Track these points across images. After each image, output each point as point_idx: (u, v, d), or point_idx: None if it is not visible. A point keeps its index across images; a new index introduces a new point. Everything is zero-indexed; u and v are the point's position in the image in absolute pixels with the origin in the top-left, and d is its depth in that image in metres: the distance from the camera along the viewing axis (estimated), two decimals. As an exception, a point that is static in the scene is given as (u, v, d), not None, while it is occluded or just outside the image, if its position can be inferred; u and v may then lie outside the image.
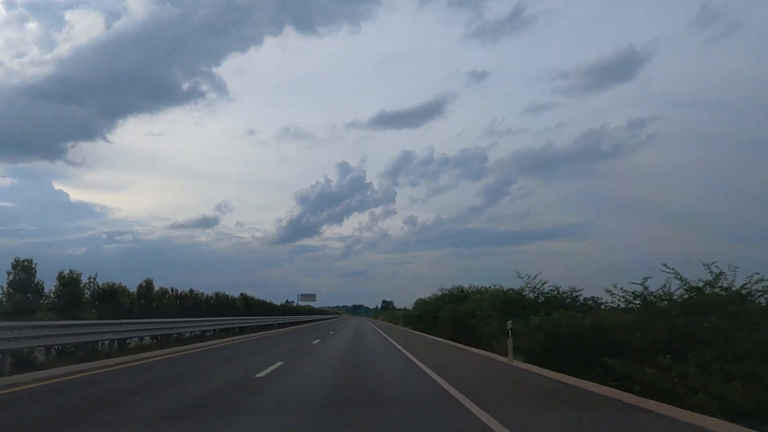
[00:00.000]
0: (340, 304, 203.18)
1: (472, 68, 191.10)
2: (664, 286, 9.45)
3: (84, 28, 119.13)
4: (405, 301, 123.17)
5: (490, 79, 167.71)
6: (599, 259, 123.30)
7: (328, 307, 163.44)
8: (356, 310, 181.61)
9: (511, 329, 12.77)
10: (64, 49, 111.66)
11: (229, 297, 29.92)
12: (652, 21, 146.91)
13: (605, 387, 8.30)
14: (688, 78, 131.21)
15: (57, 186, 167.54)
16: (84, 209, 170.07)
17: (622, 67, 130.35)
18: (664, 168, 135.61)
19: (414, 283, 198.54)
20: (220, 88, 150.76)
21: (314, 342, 20.91)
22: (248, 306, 33.75)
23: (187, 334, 19.66)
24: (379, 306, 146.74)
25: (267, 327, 34.96)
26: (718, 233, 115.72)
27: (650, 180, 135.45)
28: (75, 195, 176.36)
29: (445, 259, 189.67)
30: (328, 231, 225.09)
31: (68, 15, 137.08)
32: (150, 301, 17.99)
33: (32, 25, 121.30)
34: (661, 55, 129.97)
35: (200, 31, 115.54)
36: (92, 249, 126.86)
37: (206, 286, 33.66)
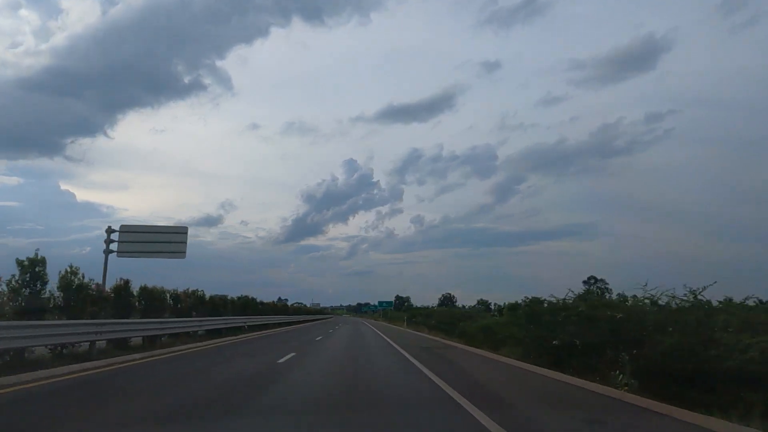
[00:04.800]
0: (344, 304, 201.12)
1: (484, 58, 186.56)
2: None
3: (79, 15, 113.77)
4: (420, 299, 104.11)
5: (502, 69, 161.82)
6: (605, 259, 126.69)
7: (320, 305, 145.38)
8: (360, 309, 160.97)
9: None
10: (59, 38, 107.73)
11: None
12: (673, 8, 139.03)
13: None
14: (710, 69, 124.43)
15: (63, 186, 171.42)
16: (90, 209, 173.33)
17: (641, 57, 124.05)
18: (680, 165, 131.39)
19: (419, 282, 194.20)
20: (225, 82, 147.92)
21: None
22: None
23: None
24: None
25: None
26: (734, 235, 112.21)
27: (665, 178, 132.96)
28: (81, 195, 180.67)
29: (451, 259, 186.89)
30: (334, 230, 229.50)
31: (64, 2, 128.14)
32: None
33: (26, 13, 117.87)
34: (683, 45, 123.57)
35: (201, 19, 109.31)
36: (96, 248, 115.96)
37: (209, 285, 25.06)
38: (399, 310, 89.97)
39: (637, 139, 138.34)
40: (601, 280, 73.59)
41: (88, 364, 10.21)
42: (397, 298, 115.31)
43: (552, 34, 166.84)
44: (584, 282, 77.78)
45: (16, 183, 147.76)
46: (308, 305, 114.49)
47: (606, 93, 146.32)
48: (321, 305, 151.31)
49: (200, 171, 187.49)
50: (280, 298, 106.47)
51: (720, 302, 8.88)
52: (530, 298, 40.99)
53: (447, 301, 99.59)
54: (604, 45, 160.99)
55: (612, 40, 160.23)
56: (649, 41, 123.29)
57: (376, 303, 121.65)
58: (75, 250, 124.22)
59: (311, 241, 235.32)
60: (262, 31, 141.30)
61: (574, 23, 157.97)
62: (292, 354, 14.26)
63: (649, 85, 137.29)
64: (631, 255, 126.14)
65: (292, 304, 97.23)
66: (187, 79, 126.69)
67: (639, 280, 9.85)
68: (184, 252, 17.64)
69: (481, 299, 56.23)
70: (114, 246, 16.84)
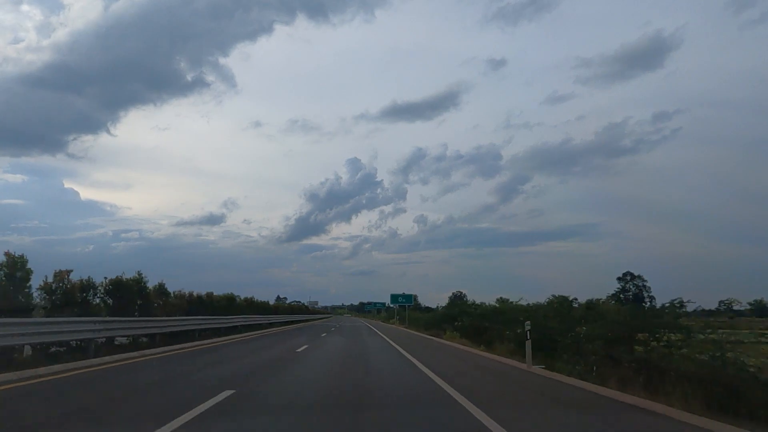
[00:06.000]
0: (346, 303, 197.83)
1: (490, 55, 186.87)
2: None
3: (81, 10, 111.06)
4: (425, 299, 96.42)
5: (508, 67, 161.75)
6: (610, 260, 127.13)
7: (318, 303, 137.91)
8: (363, 308, 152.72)
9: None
10: (61, 34, 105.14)
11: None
12: (682, 5, 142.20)
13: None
14: (719, 68, 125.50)
15: (67, 184, 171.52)
16: (94, 207, 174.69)
17: (648, 55, 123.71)
18: (687, 165, 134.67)
19: (422, 283, 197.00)
20: (228, 79, 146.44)
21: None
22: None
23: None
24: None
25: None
26: (739, 236, 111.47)
27: (670, 178, 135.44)
28: (85, 193, 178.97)
29: (454, 259, 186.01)
30: (337, 229, 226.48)
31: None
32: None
33: (28, 8, 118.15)
34: (692, 43, 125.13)
35: (204, 15, 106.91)
36: (100, 247, 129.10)
37: (214, 285, 13.48)
38: (406, 309, 78.51)
39: (644, 138, 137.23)
40: (639, 276, 66.06)
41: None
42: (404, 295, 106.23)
43: (559, 31, 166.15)
44: (619, 279, 70.31)
45: (20, 181, 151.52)
46: (305, 303, 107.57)
47: (613, 91, 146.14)
48: (319, 303, 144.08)
49: (203, 169, 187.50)
50: (278, 297, 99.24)
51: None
52: (557, 296, 29.19)
53: (457, 299, 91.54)
54: (611, 42, 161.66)
55: (620, 38, 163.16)
56: (657, 39, 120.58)
57: (384, 301, 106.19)
58: (78, 248, 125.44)
59: (314, 240, 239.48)
60: (266, 28, 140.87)
61: (581, 20, 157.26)
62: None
63: (657, 83, 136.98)
64: (635, 255, 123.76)
65: (289, 303, 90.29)
66: (189, 76, 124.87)
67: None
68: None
69: (501, 297, 47.56)
70: None
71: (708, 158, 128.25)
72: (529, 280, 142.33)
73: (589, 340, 10.22)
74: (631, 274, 59.04)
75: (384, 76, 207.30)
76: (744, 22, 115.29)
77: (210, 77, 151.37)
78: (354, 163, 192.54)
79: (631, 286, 58.26)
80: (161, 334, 16.06)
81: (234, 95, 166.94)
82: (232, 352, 14.93)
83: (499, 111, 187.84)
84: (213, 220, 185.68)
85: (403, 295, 56.70)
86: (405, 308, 56.04)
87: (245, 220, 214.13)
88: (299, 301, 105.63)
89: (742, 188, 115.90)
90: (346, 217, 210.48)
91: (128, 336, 14.33)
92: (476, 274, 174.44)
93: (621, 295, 55.08)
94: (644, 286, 56.31)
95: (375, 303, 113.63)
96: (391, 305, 65.82)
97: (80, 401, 6.77)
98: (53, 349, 11.27)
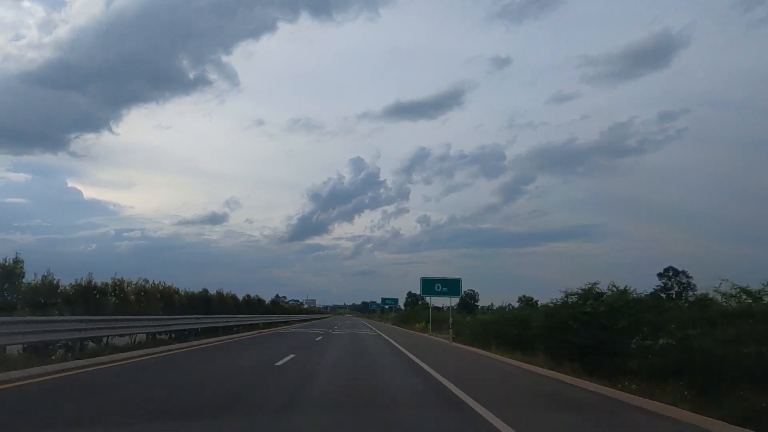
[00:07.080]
0: (348, 303, 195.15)
1: (494, 54, 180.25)
2: None
3: (83, 7, 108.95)
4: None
5: (513, 65, 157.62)
6: (614, 260, 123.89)
7: (316, 302, 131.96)
8: (367, 307, 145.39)
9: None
10: (63, 31, 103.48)
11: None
12: (690, 2, 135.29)
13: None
14: (727, 67, 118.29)
15: (70, 183, 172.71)
16: (97, 207, 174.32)
17: (655, 54, 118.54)
18: (688, 166, 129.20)
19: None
20: (231, 77, 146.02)
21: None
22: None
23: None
24: (402, 299, 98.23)
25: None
26: (745, 237, 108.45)
27: (671, 178, 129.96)
28: (88, 192, 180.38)
29: (456, 259, 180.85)
30: (339, 229, 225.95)
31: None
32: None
33: (29, 5, 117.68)
34: (700, 42, 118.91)
35: (206, 13, 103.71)
36: (102, 246, 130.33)
37: (213, 285, 15.40)
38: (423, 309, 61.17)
39: (648, 138, 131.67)
40: (683, 272, 58.41)
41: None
42: (410, 295, 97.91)
43: (564, 30, 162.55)
44: (660, 275, 62.78)
45: (24, 180, 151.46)
46: (302, 302, 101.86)
47: (618, 91, 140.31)
48: (319, 303, 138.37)
49: (205, 168, 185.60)
50: (277, 295, 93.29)
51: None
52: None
53: (469, 299, 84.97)
54: (617, 41, 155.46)
55: (626, 36, 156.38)
56: (664, 37, 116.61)
57: (395, 296, 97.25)
58: (81, 247, 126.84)
59: (316, 240, 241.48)
60: (269, 26, 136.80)
61: (587, 18, 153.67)
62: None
63: (664, 82, 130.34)
64: (636, 255, 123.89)
65: (288, 302, 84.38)
66: (192, 75, 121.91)
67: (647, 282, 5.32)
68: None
69: (524, 296, 39.30)
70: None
71: (709, 158, 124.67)
72: (530, 281, 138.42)
73: None
74: (674, 270, 52.09)
75: (387, 75, 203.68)
76: (751, 22, 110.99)
77: (212, 75, 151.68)
78: (357, 163, 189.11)
79: (674, 284, 51.51)
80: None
81: (236, 94, 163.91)
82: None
83: (503, 110, 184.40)
84: (215, 219, 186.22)
85: (444, 281, 29.45)
86: (447, 308, 34.60)
87: (247, 220, 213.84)
88: (297, 300, 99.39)
89: (743, 188, 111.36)
90: (349, 217, 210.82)
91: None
92: (478, 275, 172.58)
93: (663, 294, 48.29)
94: (689, 283, 49.65)
95: (385, 299, 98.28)
96: (425, 295, 32.60)
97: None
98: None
